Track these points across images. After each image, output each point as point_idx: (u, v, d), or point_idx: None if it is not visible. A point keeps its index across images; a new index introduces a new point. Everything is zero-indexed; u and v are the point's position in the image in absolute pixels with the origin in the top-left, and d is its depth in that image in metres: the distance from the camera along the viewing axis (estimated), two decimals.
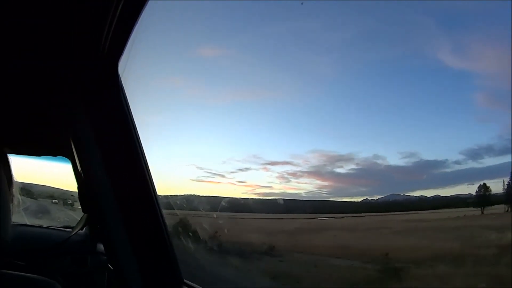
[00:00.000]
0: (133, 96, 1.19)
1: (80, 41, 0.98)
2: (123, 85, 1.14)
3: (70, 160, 1.70)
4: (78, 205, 1.47)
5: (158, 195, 1.16)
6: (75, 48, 1.01)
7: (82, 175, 1.21)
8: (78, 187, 1.54)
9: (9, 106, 1.28)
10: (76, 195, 1.39)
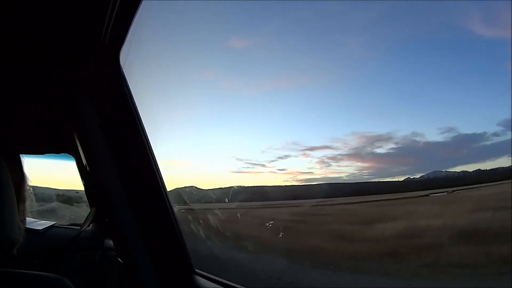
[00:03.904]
0: (138, 87, 1.18)
1: (79, 30, 0.97)
2: (125, 75, 1.12)
3: (73, 156, 1.70)
4: None
5: (166, 185, 1.16)
6: (74, 38, 1.00)
7: (88, 169, 1.21)
8: (84, 183, 1.54)
9: (9, 103, 1.27)
10: None
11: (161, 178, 1.14)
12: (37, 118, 1.34)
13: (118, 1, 0.89)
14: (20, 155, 1.01)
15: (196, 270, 1.18)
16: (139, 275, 1.14)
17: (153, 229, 1.15)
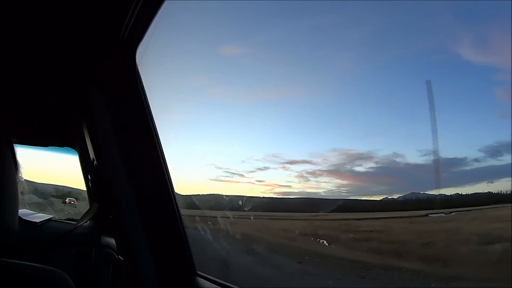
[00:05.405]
0: (149, 88, 1.18)
1: (99, 24, 0.97)
2: (140, 74, 1.13)
3: (77, 150, 1.69)
4: None
5: (174, 186, 1.15)
6: (92, 32, 1.00)
7: (95, 163, 1.20)
8: (88, 178, 1.53)
9: (20, 93, 1.26)
10: None
11: (169, 178, 1.14)
12: (47, 110, 1.34)
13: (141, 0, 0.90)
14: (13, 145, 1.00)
15: (198, 271, 1.18)
16: (141, 274, 1.13)
17: (157, 228, 1.14)
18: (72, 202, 4.27)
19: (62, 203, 4.34)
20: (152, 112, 1.16)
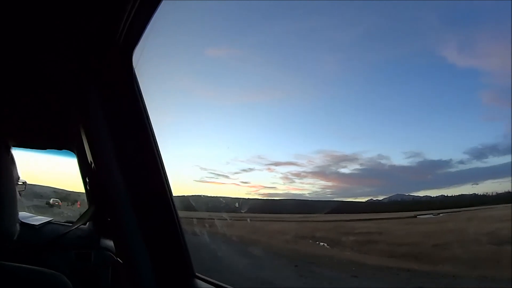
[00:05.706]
0: (145, 90, 1.18)
1: (96, 27, 0.97)
2: (137, 77, 1.13)
3: (75, 153, 1.69)
4: None
5: (171, 187, 1.15)
6: (90, 35, 1.00)
7: (93, 166, 1.20)
8: (86, 180, 1.53)
9: (17, 96, 1.26)
10: None
11: (166, 180, 1.14)
12: (45, 112, 1.34)
13: (137, 3, 0.91)
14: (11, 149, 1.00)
15: (197, 273, 1.18)
16: (139, 276, 1.14)
17: (155, 230, 1.15)
18: (57, 203, 4.35)
19: (46, 203, 4.43)
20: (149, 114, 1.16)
